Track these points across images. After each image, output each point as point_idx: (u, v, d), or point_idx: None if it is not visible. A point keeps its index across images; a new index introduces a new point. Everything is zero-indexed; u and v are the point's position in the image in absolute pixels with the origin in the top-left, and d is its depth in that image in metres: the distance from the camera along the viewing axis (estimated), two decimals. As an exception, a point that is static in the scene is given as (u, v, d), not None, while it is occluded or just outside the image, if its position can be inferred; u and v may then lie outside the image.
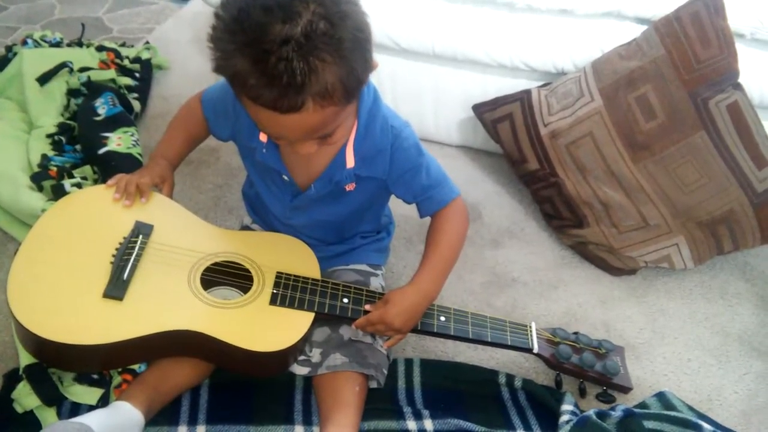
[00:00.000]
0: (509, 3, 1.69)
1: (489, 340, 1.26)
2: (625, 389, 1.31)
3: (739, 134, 1.53)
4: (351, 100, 0.99)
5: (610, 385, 1.31)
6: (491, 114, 1.75)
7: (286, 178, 1.20)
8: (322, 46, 0.88)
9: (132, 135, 1.69)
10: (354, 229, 1.35)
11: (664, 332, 1.50)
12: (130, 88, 1.96)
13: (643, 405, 1.28)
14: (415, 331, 1.24)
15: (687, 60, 1.54)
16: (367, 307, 1.21)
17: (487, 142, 1.88)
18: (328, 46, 0.88)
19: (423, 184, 1.22)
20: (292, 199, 1.24)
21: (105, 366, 1.17)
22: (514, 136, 1.71)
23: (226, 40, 0.90)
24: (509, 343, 1.27)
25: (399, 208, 1.38)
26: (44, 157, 1.56)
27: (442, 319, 1.25)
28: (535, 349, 1.28)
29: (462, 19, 1.75)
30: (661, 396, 1.29)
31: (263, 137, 1.18)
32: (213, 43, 0.93)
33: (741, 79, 1.54)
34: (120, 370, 1.18)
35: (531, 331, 1.30)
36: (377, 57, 1.00)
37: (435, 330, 1.24)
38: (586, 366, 1.29)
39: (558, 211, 1.67)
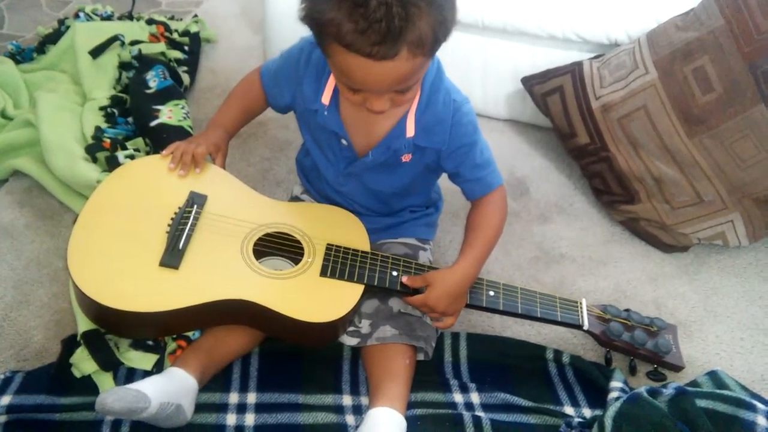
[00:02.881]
0: (561, -27, 1.65)
1: (538, 315, 1.25)
2: (677, 368, 1.30)
3: (800, 108, 1.48)
4: (435, 52, 1.00)
5: (661, 363, 1.29)
6: (541, 87, 1.73)
7: (344, 142, 1.21)
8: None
9: (182, 108, 1.71)
10: (404, 202, 1.35)
11: (717, 310, 1.48)
12: (179, 61, 1.98)
13: (694, 383, 1.26)
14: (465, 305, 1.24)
15: (747, 31, 1.49)
16: (405, 279, 1.20)
17: (535, 115, 1.86)
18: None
19: (476, 162, 1.22)
20: (347, 165, 1.25)
21: (160, 333, 1.19)
22: (565, 110, 1.68)
23: None
24: (559, 319, 1.26)
25: (447, 184, 1.38)
26: (98, 129, 1.59)
27: (491, 293, 1.25)
28: (586, 326, 1.27)
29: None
30: (713, 375, 1.27)
31: (326, 99, 1.18)
32: None
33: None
34: (174, 336, 1.21)
35: (581, 307, 1.29)
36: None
37: (484, 304, 1.24)
38: (638, 344, 1.28)
39: (608, 186, 1.65)
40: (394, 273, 1.22)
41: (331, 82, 1.18)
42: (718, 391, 1.19)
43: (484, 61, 1.85)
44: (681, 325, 1.42)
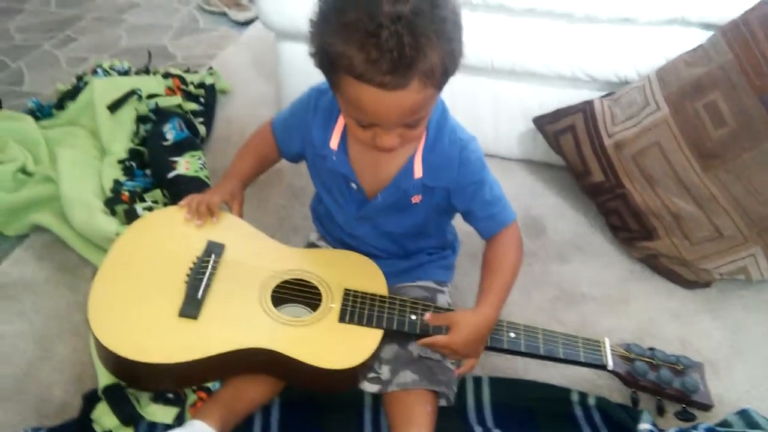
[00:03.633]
0: (568, 13, 1.67)
1: (561, 356, 1.23)
2: (706, 407, 1.26)
3: (815, 139, 1.47)
4: (444, 85, 1.01)
5: (689, 402, 1.26)
6: (553, 126, 1.73)
7: (354, 185, 1.22)
8: (429, 24, 0.92)
9: (199, 158, 1.73)
10: (418, 244, 1.35)
11: (744, 347, 1.45)
12: (195, 113, 2.02)
13: (725, 423, 1.23)
14: (485, 348, 1.22)
15: (757, 64, 1.49)
16: (428, 316, 1.20)
17: (548, 154, 1.86)
18: (433, 24, 0.92)
19: (486, 199, 1.22)
20: (358, 209, 1.26)
21: (181, 384, 1.19)
22: (578, 148, 1.68)
23: (332, 19, 0.95)
24: (582, 360, 1.24)
25: (464, 225, 1.38)
26: (116, 182, 1.62)
27: (512, 335, 1.23)
28: (610, 366, 1.24)
29: (520, 31, 1.74)
30: (743, 413, 1.24)
31: (334, 144, 1.20)
32: (315, 25, 0.98)
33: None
34: (194, 388, 1.20)
35: (605, 346, 1.27)
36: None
37: (505, 346, 1.22)
38: (664, 383, 1.25)
39: (625, 223, 1.64)
40: (413, 317, 1.21)
41: (338, 127, 1.20)
42: (749, 430, 1.16)
43: (495, 102, 1.86)
44: (707, 363, 1.39)
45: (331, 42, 0.95)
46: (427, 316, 1.20)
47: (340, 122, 1.19)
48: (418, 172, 1.18)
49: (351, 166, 1.21)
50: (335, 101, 1.17)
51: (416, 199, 1.22)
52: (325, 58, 0.98)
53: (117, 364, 1.10)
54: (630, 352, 1.29)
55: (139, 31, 2.71)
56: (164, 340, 1.10)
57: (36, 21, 2.77)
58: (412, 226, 1.28)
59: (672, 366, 1.29)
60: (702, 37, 1.61)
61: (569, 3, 1.66)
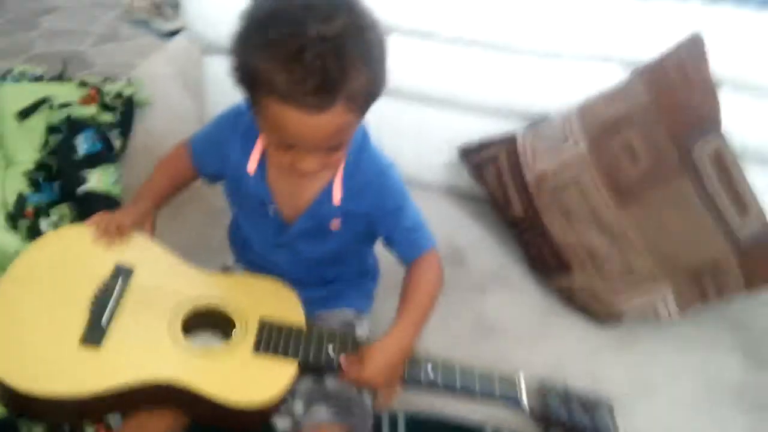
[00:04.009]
0: (494, 43, 1.70)
1: (477, 390, 1.22)
2: (615, 444, 1.28)
3: (721, 181, 1.53)
4: (367, 109, 1.00)
5: (599, 439, 1.27)
6: (476, 156, 1.75)
7: (272, 210, 1.19)
8: (355, 48, 0.91)
9: (113, 173, 1.66)
10: (338, 270, 1.33)
11: (652, 385, 1.48)
12: (111, 125, 1.93)
13: (632, 459, 1.25)
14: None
15: (671, 106, 1.55)
16: (342, 359, 1.15)
17: (471, 185, 1.87)
18: (359, 48, 0.92)
19: (406, 225, 1.21)
20: (276, 235, 1.23)
21: (80, 417, 1.12)
22: (499, 180, 1.70)
23: (255, 37, 0.92)
24: (497, 395, 1.23)
25: (384, 255, 1.37)
26: (20, 195, 1.53)
27: (429, 368, 1.21)
28: (524, 402, 1.24)
29: (448, 59, 1.75)
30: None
31: (252, 167, 1.17)
32: (238, 42, 0.95)
33: (723, 127, 1.55)
34: (94, 421, 1.13)
35: (519, 382, 1.27)
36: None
37: (421, 380, 1.20)
38: (576, 420, 1.25)
39: (543, 256, 1.66)
40: (330, 348, 1.17)
41: (257, 150, 1.17)
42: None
43: (420, 129, 1.87)
44: (618, 400, 1.40)
45: (253, 59, 0.92)
46: (341, 360, 1.15)
47: (259, 144, 1.16)
48: (337, 197, 1.16)
49: (269, 190, 1.18)
50: (254, 123, 1.14)
51: (335, 225, 1.20)
52: (246, 75, 0.95)
53: (8, 393, 1.02)
54: (543, 388, 1.30)
55: (56, 36, 2.60)
56: (63, 369, 1.03)
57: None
58: (331, 252, 1.25)
59: (583, 403, 1.30)
60: (623, 75, 1.66)
61: (495, 34, 1.68)
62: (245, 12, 0.95)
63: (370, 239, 1.31)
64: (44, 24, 2.67)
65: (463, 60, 1.75)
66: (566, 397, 1.29)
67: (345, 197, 1.16)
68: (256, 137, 1.16)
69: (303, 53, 0.88)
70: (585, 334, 1.59)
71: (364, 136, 1.17)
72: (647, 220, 1.55)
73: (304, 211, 1.18)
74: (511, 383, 1.26)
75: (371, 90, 0.96)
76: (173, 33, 2.68)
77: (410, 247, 1.23)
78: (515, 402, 1.24)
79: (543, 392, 1.28)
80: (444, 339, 1.50)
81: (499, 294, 1.67)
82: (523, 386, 1.26)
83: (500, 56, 1.73)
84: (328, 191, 1.16)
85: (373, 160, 1.17)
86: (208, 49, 1.92)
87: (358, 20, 0.93)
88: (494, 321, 1.58)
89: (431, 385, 1.21)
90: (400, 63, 1.72)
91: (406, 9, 1.70)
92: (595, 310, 1.61)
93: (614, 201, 1.56)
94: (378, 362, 1.12)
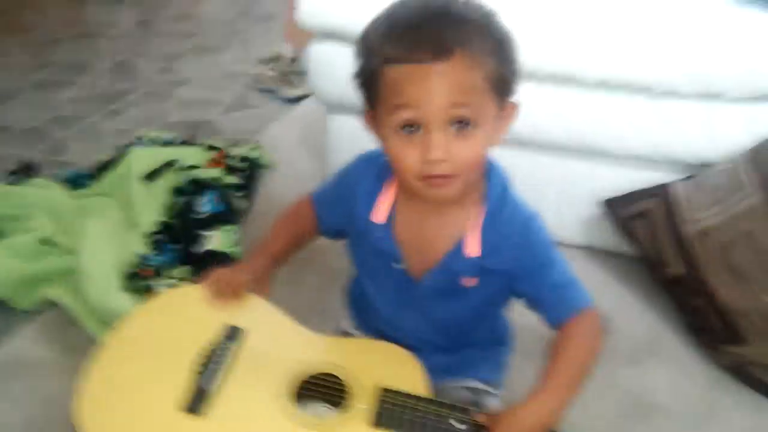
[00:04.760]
0: (646, 87, 1.53)
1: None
2: None
3: None
4: (496, 93, 0.93)
5: None
6: (625, 210, 1.57)
7: (398, 265, 1.08)
8: (475, 21, 0.90)
9: (233, 234, 1.62)
10: (468, 337, 1.18)
11: None
12: (236, 187, 1.92)
13: None
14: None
15: None
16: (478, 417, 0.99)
17: (616, 242, 1.68)
18: (480, 24, 0.91)
19: (555, 281, 1.05)
20: (402, 293, 1.11)
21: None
22: (653, 236, 1.50)
23: (379, 20, 0.93)
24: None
25: (517, 318, 1.22)
26: (140, 256, 1.50)
27: (576, 452, 1.03)
28: (698, 499, 1.02)
29: (591, 106, 1.60)
30: None
31: (380, 217, 1.08)
32: (361, 39, 0.95)
33: None
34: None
35: (690, 473, 1.05)
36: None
37: (568, 468, 1.01)
38: None
39: (709, 323, 1.43)
40: (459, 425, 1.01)
41: (386, 198, 1.07)
42: None
43: (561, 182, 1.72)
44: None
45: (371, 37, 0.93)
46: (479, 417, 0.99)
47: (388, 193, 1.07)
48: (473, 250, 1.03)
49: (396, 242, 1.07)
50: (383, 171, 1.07)
51: (470, 281, 1.06)
52: (363, 51, 0.94)
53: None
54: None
55: (189, 105, 2.68)
56: (162, 441, 0.94)
57: (85, 94, 2.77)
58: (466, 313, 1.12)
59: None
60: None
61: (647, 76, 1.52)
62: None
63: (508, 300, 1.16)
64: (178, 94, 2.77)
65: (610, 106, 1.60)
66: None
67: (483, 250, 1.03)
68: (384, 184, 1.08)
69: (420, 24, 0.88)
70: (763, 417, 1.34)
71: (505, 187, 1.05)
72: (838, 280, 1.29)
73: (433, 266, 1.06)
74: (681, 475, 1.04)
75: (497, 61, 0.91)
76: (298, 99, 2.71)
77: (561, 306, 1.06)
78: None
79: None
80: (587, 420, 1.30)
81: (653, 367, 1.45)
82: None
83: (653, 101, 1.56)
84: (462, 242, 1.04)
85: (514, 211, 1.05)
86: (333, 108, 1.91)
87: (492, 16, 0.93)
88: (649, 399, 1.37)
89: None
90: (541, 111, 1.62)
91: (544, 49, 1.57)
92: (776, 388, 1.35)
93: (798, 257, 1.32)
94: (513, 428, 0.95)
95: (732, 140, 1.51)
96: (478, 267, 1.04)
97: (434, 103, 0.89)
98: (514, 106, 0.99)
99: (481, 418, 0.99)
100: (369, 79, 0.94)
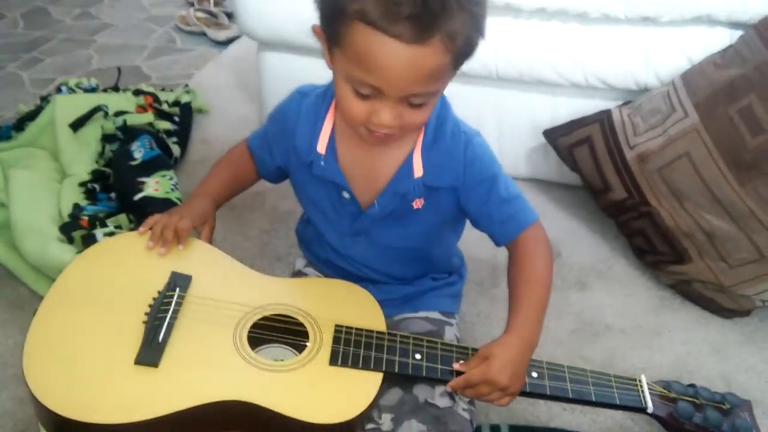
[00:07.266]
0: (582, 13, 1.52)
1: (593, 399, 1.04)
2: (763, 453, 1.07)
3: None
4: (462, 62, 0.90)
5: (743, 449, 1.07)
6: (566, 139, 1.57)
7: (346, 194, 1.06)
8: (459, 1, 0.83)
9: (170, 179, 1.56)
10: (422, 267, 1.18)
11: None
12: (169, 132, 1.84)
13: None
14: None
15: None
16: (457, 366, 1.00)
17: (560, 172, 1.70)
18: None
19: (501, 197, 1.05)
20: (352, 222, 1.09)
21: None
22: (595, 162, 1.52)
23: None
24: (617, 402, 1.05)
25: (468, 249, 1.22)
26: (76, 206, 1.43)
27: (534, 375, 1.04)
28: (650, 408, 1.05)
29: (527, 35, 1.58)
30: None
31: (321, 147, 1.05)
32: None
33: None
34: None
35: (642, 385, 1.08)
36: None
37: (527, 389, 1.02)
38: (713, 426, 1.05)
39: (653, 244, 1.46)
40: (417, 356, 1.02)
41: (326, 130, 1.05)
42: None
43: (500, 114, 1.71)
44: (756, 402, 1.20)
45: None
46: (456, 365, 1.00)
47: (327, 124, 1.05)
48: (418, 170, 1.02)
49: (342, 172, 1.05)
50: (320, 102, 1.05)
51: (418, 203, 1.05)
52: (339, 8, 0.85)
53: (57, 424, 0.90)
54: (670, 391, 1.10)
55: (111, 51, 2.55)
56: (118, 395, 0.90)
57: (1, 42, 2.60)
58: (417, 237, 1.11)
59: (718, 405, 1.09)
60: (730, 37, 1.46)
61: (581, 1, 1.50)
62: None
63: (458, 222, 1.16)
64: (99, 41, 2.63)
65: (547, 34, 1.58)
66: (698, 399, 1.10)
67: (427, 170, 1.03)
68: (324, 116, 1.06)
69: None
70: (709, 330, 1.39)
71: (444, 105, 1.04)
72: (776, 196, 1.33)
73: (382, 191, 1.05)
74: (631, 386, 1.08)
75: (469, 37, 0.87)
76: (228, 42, 2.61)
77: (509, 223, 1.06)
78: (640, 409, 1.06)
79: (670, 396, 1.09)
80: (544, 343, 1.29)
81: (602, 290, 1.48)
82: (646, 391, 1.08)
83: (589, 27, 1.56)
84: (407, 165, 1.02)
85: (455, 129, 1.04)
86: (265, 45, 1.85)
87: None
88: (600, 321, 1.40)
89: (538, 394, 1.04)
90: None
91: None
92: (720, 304, 1.40)
93: (735, 177, 1.34)
94: (505, 359, 0.97)
95: (668, 64, 1.52)
96: (423, 186, 1.03)
97: (400, 85, 0.87)
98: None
99: (463, 368, 0.99)
100: (336, 20, 0.87)
